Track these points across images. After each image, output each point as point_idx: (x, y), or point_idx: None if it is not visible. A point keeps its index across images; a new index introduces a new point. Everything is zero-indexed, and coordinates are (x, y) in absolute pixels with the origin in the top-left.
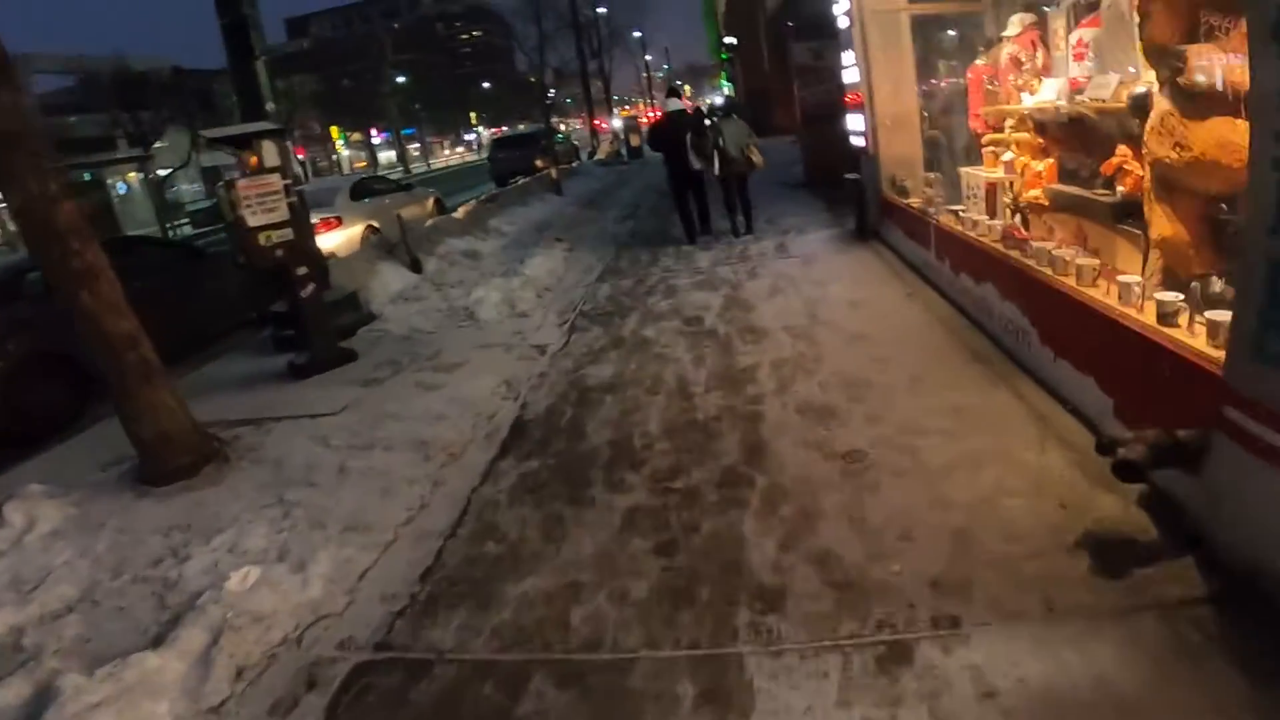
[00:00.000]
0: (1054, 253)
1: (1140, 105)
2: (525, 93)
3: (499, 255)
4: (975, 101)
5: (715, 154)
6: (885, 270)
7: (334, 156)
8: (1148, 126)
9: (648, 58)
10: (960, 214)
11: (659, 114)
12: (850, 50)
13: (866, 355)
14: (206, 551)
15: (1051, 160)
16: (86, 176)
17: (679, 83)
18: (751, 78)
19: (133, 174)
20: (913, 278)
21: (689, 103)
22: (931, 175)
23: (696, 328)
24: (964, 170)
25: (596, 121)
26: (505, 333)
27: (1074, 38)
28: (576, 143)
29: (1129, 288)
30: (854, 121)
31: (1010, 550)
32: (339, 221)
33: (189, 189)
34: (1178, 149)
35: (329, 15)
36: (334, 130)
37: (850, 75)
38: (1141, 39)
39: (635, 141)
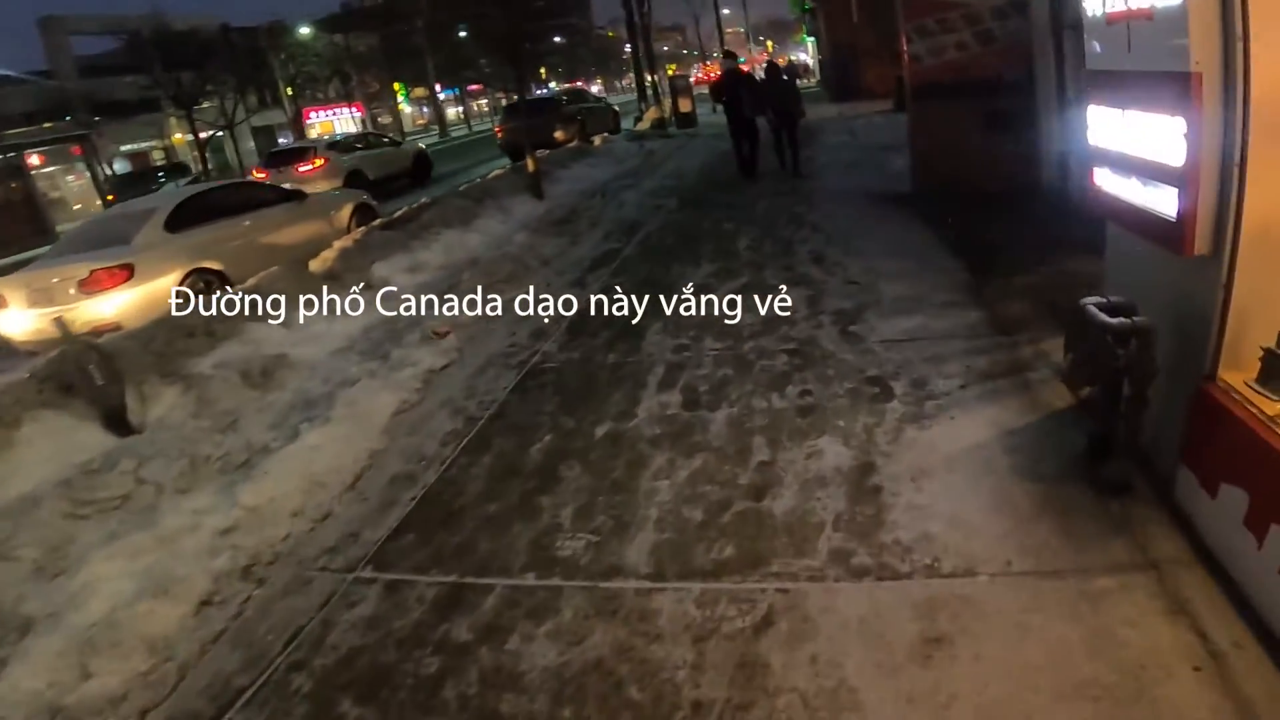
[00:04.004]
0: None
1: None
2: (603, 48)
3: (323, 369)
4: None
5: (768, 106)
6: None
7: (397, 114)
8: None
9: (725, 11)
10: None
11: (718, 74)
12: None
13: None
14: None
15: None
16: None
17: (755, 44)
18: (836, 31)
19: (179, 136)
20: None
21: (751, 60)
22: None
23: None
24: None
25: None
26: None
27: None
28: (617, 107)
29: None
30: (1134, 135)
31: None
32: (129, 273)
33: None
34: None
35: None
36: (397, 86)
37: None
38: None
39: (686, 106)
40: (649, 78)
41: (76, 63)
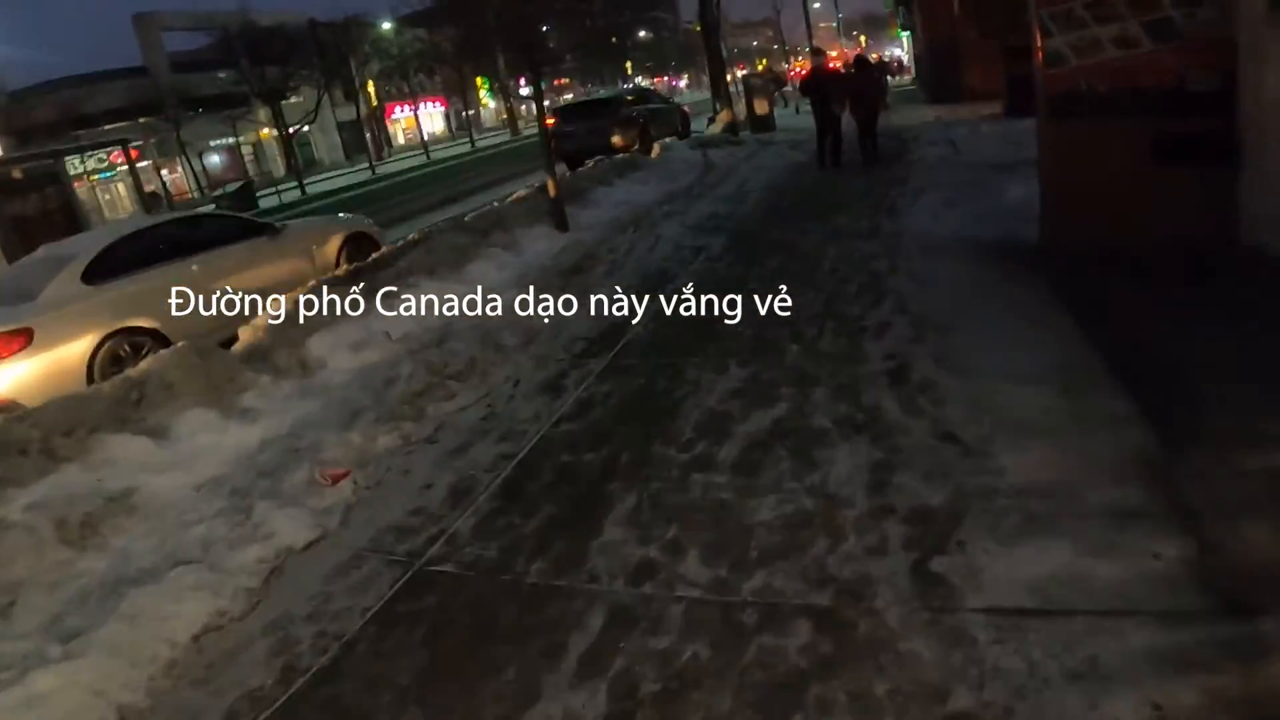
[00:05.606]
0: None
1: None
2: (689, 43)
3: (174, 517)
4: None
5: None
6: None
7: (477, 109)
8: None
9: (815, 5)
10: None
11: (807, 70)
12: None
13: None
14: None
15: None
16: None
17: (847, 40)
18: (935, 24)
19: (265, 132)
20: None
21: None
22: None
23: None
24: None
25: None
26: None
27: None
28: (687, 107)
29: None
30: None
31: None
32: (25, 339)
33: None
34: None
35: None
36: (480, 81)
37: None
38: None
39: (762, 108)
40: (732, 74)
41: (169, 59)
